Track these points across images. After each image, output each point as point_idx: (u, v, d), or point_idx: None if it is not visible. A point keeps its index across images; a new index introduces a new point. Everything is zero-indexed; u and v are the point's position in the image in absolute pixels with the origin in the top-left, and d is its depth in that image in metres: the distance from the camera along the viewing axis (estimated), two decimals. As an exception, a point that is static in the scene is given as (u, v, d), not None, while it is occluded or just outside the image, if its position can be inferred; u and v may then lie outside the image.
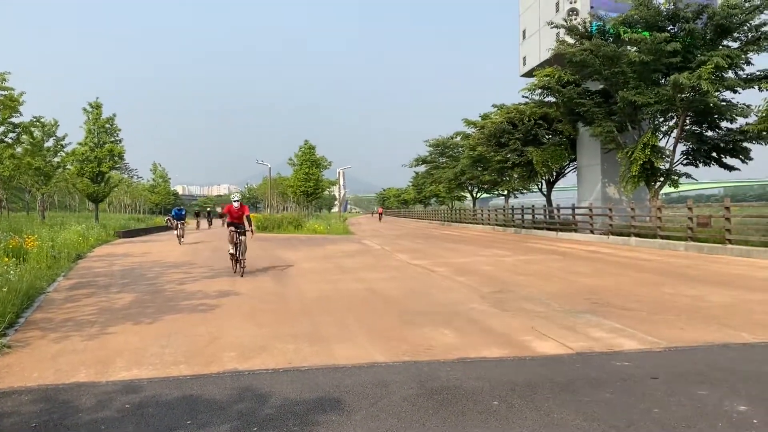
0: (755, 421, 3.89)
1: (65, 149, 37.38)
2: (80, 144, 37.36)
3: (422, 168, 65.54)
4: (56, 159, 37.41)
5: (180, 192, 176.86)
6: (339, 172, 63.00)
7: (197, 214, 44.08)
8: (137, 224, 47.87)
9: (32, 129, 33.94)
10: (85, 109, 37.56)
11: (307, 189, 52.70)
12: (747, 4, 21.89)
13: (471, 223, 44.83)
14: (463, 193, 62.34)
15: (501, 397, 4.44)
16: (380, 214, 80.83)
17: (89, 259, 18.10)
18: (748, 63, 22.99)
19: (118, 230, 33.44)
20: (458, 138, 52.27)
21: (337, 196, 70.39)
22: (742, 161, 25.09)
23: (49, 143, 36.51)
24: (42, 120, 35.35)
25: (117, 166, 44.53)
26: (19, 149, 33.02)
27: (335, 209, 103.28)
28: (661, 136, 24.83)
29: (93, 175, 37.23)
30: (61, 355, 6.04)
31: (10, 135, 28.19)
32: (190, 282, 11.95)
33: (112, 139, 38.20)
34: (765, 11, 21.91)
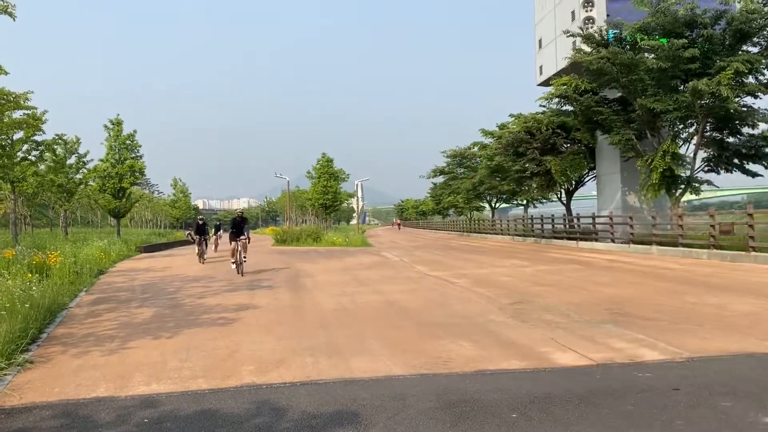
0: (781, 433, 3.80)
1: (87, 166, 38.00)
2: (102, 160, 37.93)
3: (440, 179, 65.49)
4: (78, 176, 38.01)
5: (200, 206, 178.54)
6: (357, 184, 63.13)
7: (217, 229, 28.26)
8: (158, 239, 48.34)
9: (55, 146, 34.58)
10: (106, 126, 38.14)
11: (326, 202, 52.89)
12: (766, 9, 21.66)
13: (490, 233, 44.61)
14: (481, 204, 62.10)
15: (520, 409, 4.39)
16: (398, 225, 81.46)
17: (111, 275, 18.31)
18: (769, 68, 22.70)
19: (139, 245, 33.78)
20: (476, 148, 52.18)
21: (356, 209, 70.52)
22: (766, 167, 24.70)
23: (72, 160, 37.13)
24: (64, 137, 35.98)
25: (138, 181, 45.08)
26: (42, 167, 33.63)
27: (354, 221, 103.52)
28: (681, 143, 24.56)
29: (114, 190, 37.74)
30: (82, 370, 6.09)
31: (34, 153, 28.73)
32: (209, 296, 12.03)
33: (133, 155, 38.72)
34: (785, 16, 21.65)
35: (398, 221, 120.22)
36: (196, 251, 23.05)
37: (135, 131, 39.06)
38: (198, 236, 22.79)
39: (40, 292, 9.70)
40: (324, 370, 5.73)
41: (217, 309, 10.10)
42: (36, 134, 26.46)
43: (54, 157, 34.90)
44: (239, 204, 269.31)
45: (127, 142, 38.39)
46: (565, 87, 26.60)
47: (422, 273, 15.75)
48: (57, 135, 34.78)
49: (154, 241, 42.40)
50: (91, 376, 5.80)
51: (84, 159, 37.59)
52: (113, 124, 38.16)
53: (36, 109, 24.13)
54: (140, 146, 39.30)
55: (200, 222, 23.64)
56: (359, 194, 58.09)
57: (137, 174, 39.11)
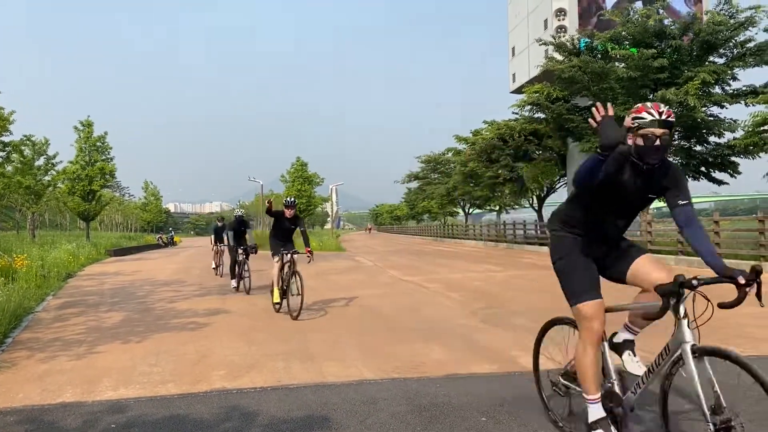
0: None
1: (56, 168, 37.33)
2: (71, 162, 37.30)
3: (414, 184, 65.81)
4: (47, 178, 37.31)
5: (172, 209, 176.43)
6: (331, 189, 63.10)
7: (219, 231, 17.55)
8: (129, 242, 47.69)
9: (22, 147, 33.89)
10: (76, 128, 37.54)
11: (300, 206, 52.74)
12: (732, 21, 22.22)
13: (463, 238, 44.91)
14: (455, 209, 62.51)
15: (489, 413, 4.44)
16: (369, 230, 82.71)
17: (79, 278, 18.01)
18: (734, 78, 23.30)
19: (109, 249, 33.30)
20: (450, 154, 52.55)
21: (330, 213, 70.44)
22: (731, 175, 25.31)
23: (40, 162, 36.41)
24: (32, 138, 35.29)
25: (108, 184, 44.47)
26: (9, 168, 32.93)
27: (328, 226, 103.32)
28: (650, 151, 25.04)
29: (84, 193, 37.14)
30: (48, 375, 5.99)
31: (0, 154, 28.14)
32: (180, 300, 11.90)
33: (104, 157, 38.18)
34: (750, 28, 22.25)
35: (370, 226, 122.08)
36: (213, 265, 17.95)
37: (106, 133, 38.55)
38: (217, 243, 17.60)
39: (5, 296, 9.50)
40: (296, 375, 5.71)
41: (188, 313, 10.00)
42: (3, 135, 25.93)
43: (22, 159, 34.21)
44: (211, 208, 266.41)
45: (98, 144, 37.83)
46: (537, 95, 26.98)
47: (396, 277, 15.79)
48: (25, 136, 34.11)
49: (125, 245, 41.82)
50: (57, 381, 5.70)
51: (53, 161, 36.92)
52: (83, 125, 37.58)
53: (2, 109, 23.67)
54: (111, 148, 38.79)
55: (219, 224, 18.04)
56: (334, 199, 58.03)
57: (108, 176, 38.57)
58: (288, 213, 9.99)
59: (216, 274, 17.25)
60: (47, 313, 10.62)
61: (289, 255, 9.73)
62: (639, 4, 24.22)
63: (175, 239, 60.69)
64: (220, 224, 17.98)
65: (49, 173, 37.20)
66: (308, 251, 9.81)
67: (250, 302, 11.44)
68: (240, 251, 13.39)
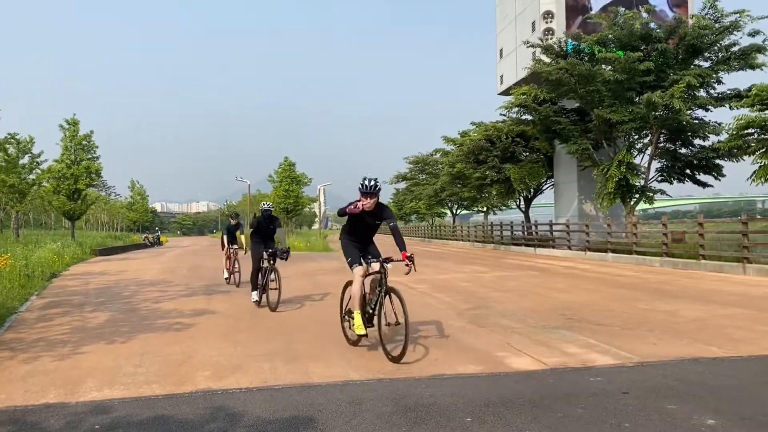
0: (722, 434, 3.95)
1: (41, 166, 36.93)
2: (56, 161, 36.95)
3: (402, 185, 65.82)
4: (32, 176, 36.90)
5: (158, 209, 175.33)
6: (319, 189, 62.90)
7: (232, 230, 15.33)
8: (114, 242, 47.35)
9: (7, 146, 33.52)
10: (61, 126, 37.21)
11: (287, 206, 52.53)
12: (717, 25, 22.44)
13: (451, 239, 44.99)
14: (443, 210, 62.62)
15: (474, 413, 4.45)
16: None
17: (64, 278, 17.85)
18: (719, 82, 23.54)
19: (94, 248, 33.04)
20: (438, 155, 52.66)
21: (318, 213, 70.23)
22: (715, 178, 25.58)
23: (25, 160, 36.01)
24: (17, 137, 34.90)
25: (94, 183, 44.11)
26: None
27: (316, 226, 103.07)
28: (636, 154, 25.23)
29: (69, 192, 36.81)
30: (31, 375, 5.94)
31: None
32: (166, 300, 11.84)
33: (89, 156, 37.86)
34: (734, 32, 22.49)
35: None
36: (225, 273, 15.32)
37: (92, 131, 38.23)
38: (230, 245, 15.20)
39: (-12, 296, 9.41)
40: (281, 376, 5.70)
41: (174, 314, 9.95)
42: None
43: (6, 157, 33.81)
44: (198, 207, 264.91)
45: (84, 142, 37.52)
46: (524, 96, 27.08)
47: (382, 278, 15.78)
48: (9, 134, 33.74)
49: (110, 244, 41.53)
50: (40, 382, 5.65)
51: (38, 159, 36.53)
52: (69, 123, 37.26)
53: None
54: (97, 147, 38.49)
55: (233, 222, 15.47)
56: (321, 199, 57.95)
57: (93, 175, 38.26)
58: (367, 203, 6.49)
59: (228, 283, 14.81)
60: (31, 313, 10.53)
61: (378, 264, 6.67)
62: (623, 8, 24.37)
63: (161, 239, 60.33)
64: (233, 222, 15.32)
65: (34, 172, 36.81)
66: (406, 257, 6.48)
67: (236, 303, 11.40)
68: (266, 255, 10.63)
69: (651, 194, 24.85)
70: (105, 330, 8.53)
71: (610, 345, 6.74)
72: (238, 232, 14.83)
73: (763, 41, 22.15)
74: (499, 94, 34.60)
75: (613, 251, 21.02)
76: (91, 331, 8.51)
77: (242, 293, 12.82)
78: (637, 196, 24.44)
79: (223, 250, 15.42)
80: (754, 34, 22.13)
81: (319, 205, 70.82)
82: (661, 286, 12.72)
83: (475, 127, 36.89)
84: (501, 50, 35.18)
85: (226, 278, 15.10)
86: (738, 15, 22.19)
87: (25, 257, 18.35)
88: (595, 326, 7.97)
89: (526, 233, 31.13)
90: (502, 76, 34.69)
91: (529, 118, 29.10)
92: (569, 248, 24.90)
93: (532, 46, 26.71)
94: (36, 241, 30.60)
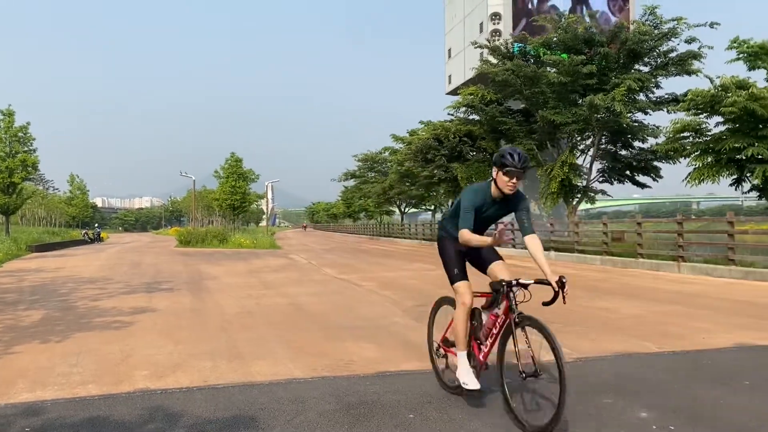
0: (654, 426, 4.09)
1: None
2: (-10, 153, 35.40)
3: (351, 182, 65.75)
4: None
5: (99, 205, 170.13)
6: (267, 185, 62.18)
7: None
8: (52, 238, 45.71)
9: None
10: (-5, 117, 35.65)
11: (234, 202, 51.73)
12: (656, 32, 23.24)
13: (399, 237, 45.20)
14: (391, 208, 62.87)
15: (417, 410, 4.48)
16: (305, 227, 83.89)
17: (-4, 275, 17.11)
18: (658, 86, 24.41)
19: (30, 244, 31.82)
20: (387, 153, 52.82)
21: (265, 210, 69.38)
22: (654, 179, 26.50)
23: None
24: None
25: (30, 177, 42.47)
26: None
27: (263, 223, 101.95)
28: (578, 155, 25.90)
29: (4, 186, 35.30)
30: (-43, 377, 5.66)
31: None
32: (105, 298, 11.49)
33: (26, 148, 36.42)
34: (673, 39, 23.33)
35: (306, 224, 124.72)
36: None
37: (28, 123, 36.77)
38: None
39: None
40: (223, 375, 5.60)
41: (113, 312, 9.66)
42: None
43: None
44: (141, 203, 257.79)
45: (20, 134, 36.05)
46: (471, 97, 27.45)
47: (330, 276, 15.74)
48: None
49: (48, 240, 40.08)
50: (-34, 384, 5.40)
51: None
52: (4, 114, 35.73)
53: None
54: (34, 139, 37.02)
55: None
56: (269, 195, 57.21)
57: (30, 169, 36.79)
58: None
59: None
60: (-41, 311, 10.04)
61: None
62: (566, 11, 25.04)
63: (102, 235, 58.54)
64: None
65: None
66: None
67: (178, 300, 11.16)
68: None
69: (593, 194, 25.57)
70: (39, 329, 8.21)
71: (550, 341, 6.88)
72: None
73: (699, 48, 23.07)
74: (447, 93, 34.96)
75: (556, 250, 21.52)
76: (24, 330, 8.17)
77: (185, 291, 12.56)
78: (579, 196, 25.11)
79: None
80: (690, 41, 23.02)
81: (267, 201, 70.05)
82: (601, 284, 13.09)
83: (423, 126, 37.16)
84: (449, 50, 35.54)
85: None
86: (676, 22, 23.05)
87: (-46, 253, 17.52)
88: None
89: (472, 231, 31.57)
90: (450, 76, 35.06)
91: (476, 118, 29.52)
92: (514, 246, 25.35)
93: (480, 47, 27.10)
94: (-34, 236, 29.22)
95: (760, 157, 17.68)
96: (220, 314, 9.44)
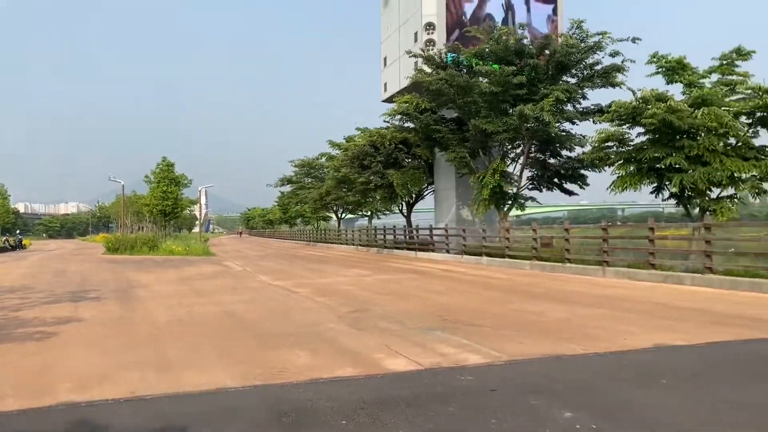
0: (578, 426, 4.26)
1: None
2: None
3: (288, 188, 65.10)
4: None
5: (22, 210, 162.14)
6: (200, 191, 60.88)
7: None
8: (-33, 246, 43.25)
9: None
10: None
11: (165, 208, 50.29)
12: (582, 45, 24.14)
13: (336, 243, 45.14)
14: (328, 214, 62.65)
15: (350, 416, 4.51)
16: (241, 233, 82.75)
17: None
18: (584, 98, 25.31)
19: (-58, 252, 30.00)
20: (323, 159, 52.63)
21: (199, 216, 67.91)
22: (581, 187, 27.46)
23: None
24: None
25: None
26: None
27: (197, 229, 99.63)
28: (509, 163, 26.55)
29: None
30: None
31: None
32: (26, 308, 10.99)
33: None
34: (598, 52, 24.29)
35: (241, 230, 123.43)
36: None
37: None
38: None
39: None
40: (152, 385, 5.48)
41: (35, 322, 9.26)
42: None
43: None
44: (67, 209, 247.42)
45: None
46: (406, 105, 27.72)
47: (265, 282, 15.57)
48: None
49: (-37, 248, 37.89)
50: None
51: None
52: None
53: None
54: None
55: None
56: (202, 201, 56.03)
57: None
58: None
59: None
60: None
61: None
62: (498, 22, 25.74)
63: (24, 242, 55.83)
64: None
65: None
66: None
67: (106, 309, 10.80)
68: None
69: (523, 201, 26.28)
70: (-48, 342, 7.78)
71: (481, 345, 7.06)
72: None
73: (622, 62, 24.08)
74: (383, 101, 35.15)
75: (488, 255, 22.00)
76: (-64, 343, 7.73)
77: (112, 300, 12.16)
78: (510, 202, 25.74)
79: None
80: (614, 54, 24.00)
81: (200, 207, 68.56)
82: (530, 288, 13.47)
83: (360, 132, 37.28)
84: (385, 58, 35.78)
85: None
86: (600, 36, 24.00)
87: None
88: (468, 327, 8.31)
89: (407, 237, 31.86)
90: (386, 84, 35.28)
91: (411, 125, 29.80)
92: (447, 252, 25.78)
93: (414, 56, 27.43)
94: None
95: (677, 166, 18.59)
96: (149, 323, 9.20)
